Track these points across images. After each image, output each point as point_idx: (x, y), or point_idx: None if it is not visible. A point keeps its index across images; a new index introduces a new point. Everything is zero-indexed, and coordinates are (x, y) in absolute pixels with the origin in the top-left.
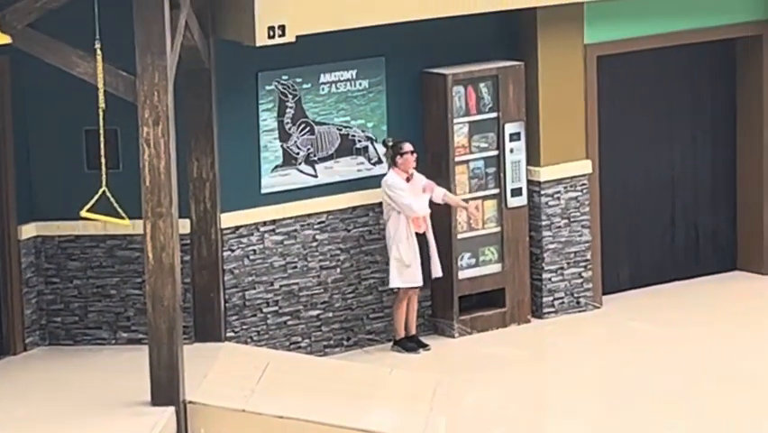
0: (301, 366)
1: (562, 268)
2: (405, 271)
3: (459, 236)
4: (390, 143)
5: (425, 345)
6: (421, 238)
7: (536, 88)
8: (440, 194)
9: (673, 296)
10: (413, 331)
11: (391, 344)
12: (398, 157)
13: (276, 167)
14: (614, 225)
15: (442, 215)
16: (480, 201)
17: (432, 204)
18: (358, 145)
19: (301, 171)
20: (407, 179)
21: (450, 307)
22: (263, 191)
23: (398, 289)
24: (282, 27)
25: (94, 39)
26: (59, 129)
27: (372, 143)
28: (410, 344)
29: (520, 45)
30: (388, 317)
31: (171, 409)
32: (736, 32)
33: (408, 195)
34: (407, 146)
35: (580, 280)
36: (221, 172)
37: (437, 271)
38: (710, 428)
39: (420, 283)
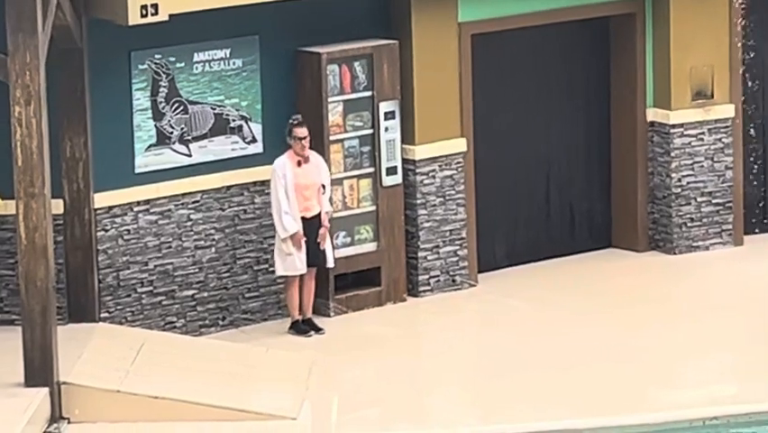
0: (176, 346)
1: (437, 246)
2: (286, 259)
3: (334, 215)
4: (291, 121)
5: (318, 329)
6: (315, 221)
7: (411, 67)
8: (325, 207)
9: (548, 274)
10: (308, 313)
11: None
12: (288, 138)
13: (149, 146)
14: (489, 203)
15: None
16: (356, 180)
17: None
18: (232, 124)
19: (175, 151)
20: (299, 163)
21: (325, 286)
22: (137, 171)
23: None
24: (155, 6)
25: None
26: None
27: (247, 122)
28: (304, 326)
29: (395, 23)
30: (264, 296)
31: (45, 390)
32: (610, 10)
33: (284, 199)
34: (297, 131)
35: (455, 259)
36: (94, 152)
37: (330, 262)
38: (586, 402)
39: (303, 271)
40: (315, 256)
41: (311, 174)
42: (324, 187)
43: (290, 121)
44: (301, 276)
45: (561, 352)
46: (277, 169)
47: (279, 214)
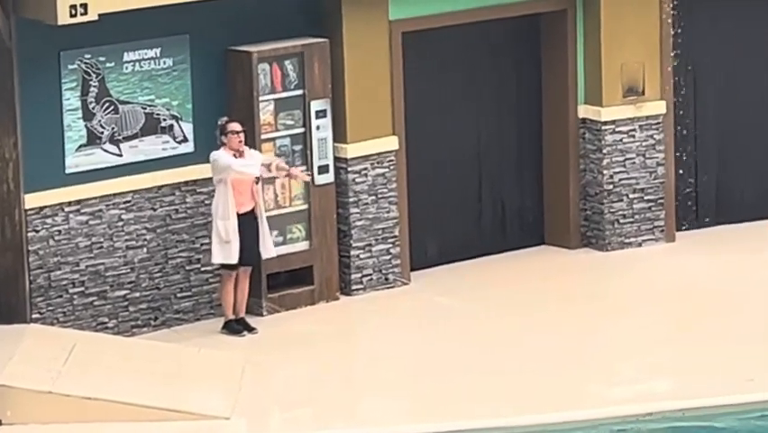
0: (108, 347)
1: (369, 245)
2: (224, 247)
3: (266, 214)
4: (220, 122)
5: (251, 329)
6: (249, 218)
7: (342, 65)
8: (274, 163)
9: (481, 271)
10: (241, 313)
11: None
12: (223, 136)
13: (80, 146)
14: (421, 201)
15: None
16: (287, 179)
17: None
18: (163, 124)
19: (106, 151)
20: (235, 157)
21: (258, 285)
22: (67, 171)
23: (223, 270)
24: (84, 5)
25: None
26: None
27: (178, 122)
28: (237, 326)
29: (325, 22)
30: (196, 295)
31: None
32: (541, 7)
33: (229, 157)
34: (232, 126)
35: (388, 257)
36: (24, 152)
37: (269, 251)
38: (521, 400)
39: (235, 261)
40: (249, 255)
41: (248, 163)
42: (257, 179)
43: (220, 122)
44: (236, 275)
45: (494, 350)
46: (221, 157)
47: (231, 167)
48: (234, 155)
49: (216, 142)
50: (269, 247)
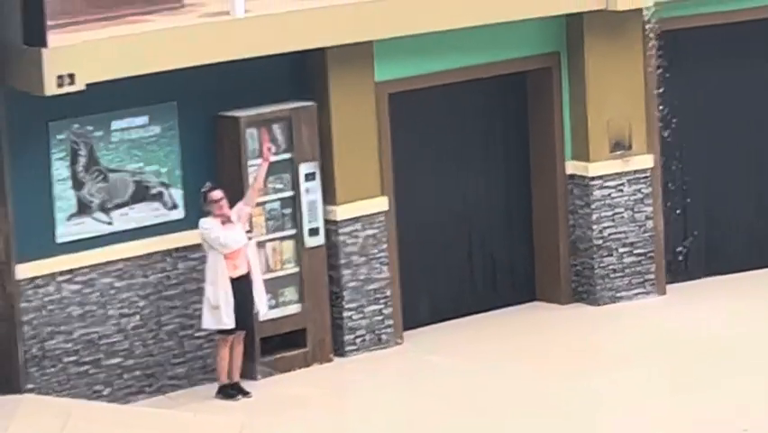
0: (104, 415)
1: (362, 306)
2: (214, 313)
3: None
4: (203, 190)
5: (246, 393)
6: (243, 282)
7: (329, 128)
8: (244, 209)
9: (473, 329)
10: (236, 378)
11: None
12: (205, 205)
13: (71, 216)
14: (412, 260)
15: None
16: (278, 242)
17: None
18: (153, 191)
19: (96, 219)
20: (223, 223)
21: (252, 348)
22: (58, 240)
23: (218, 335)
24: (71, 75)
25: None
26: None
27: (167, 189)
28: (232, 391)
29: (312, 85)
30: (191, 361)
31: None
32: (526, 65)
33: (219, 229)
34: (213, 195)
35: (380, 317)
36: (15, 223)
37: (263, 309)
38: None
39: (229, 326)
40: (244, 319)
41: (237, 234)
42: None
43: (202, 190)
44: (231, 340)
45: (487, 407)
46: (206, 224)
47: (219, 241)
48: (222, 221)
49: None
50: (261, 305)
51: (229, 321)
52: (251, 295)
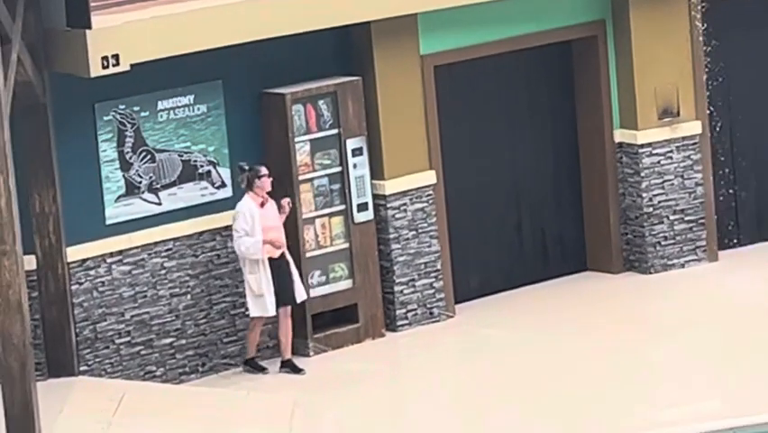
0: (157, 395)
1: (413, 280)
2: (258, 301)
3: (308, 255)
4: (246, 167)
5: (299, 370)
6: (282, 259)
7: (376, 102)
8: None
9: (524, 300)
10: (288, 354)
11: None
12: (257, 180)
13: (119, 197)
14: (462, 233)
15: (290, 235)
16: (327, 218)
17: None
18: (200, 170)
19: (145, 200)
20: (262, 204)
21: (303, 326)
22: (108, 222)
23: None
24: (116, 56)
25: None
26: None
27: (215, 167)
28: (258, 363)
29: (357, 60)
30: (242, 340)
31: None
32: (571, 33)
33: (247, 235)
34: (264, 169)
35: (431, 291)
36: (64, 206)
37: (301, 295)
38: (568, 427)
39: (272, 313)
40: (284, 295)
41: (273, 215)
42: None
43: (246, 168)
44: (276, 317)
45: (543, 378)
46: (243, 210)
47: (241, 243)
48: (262, 202)
49: (244, 187)
50: (300, 291)
51: (272, 308)
52: (290, 272)
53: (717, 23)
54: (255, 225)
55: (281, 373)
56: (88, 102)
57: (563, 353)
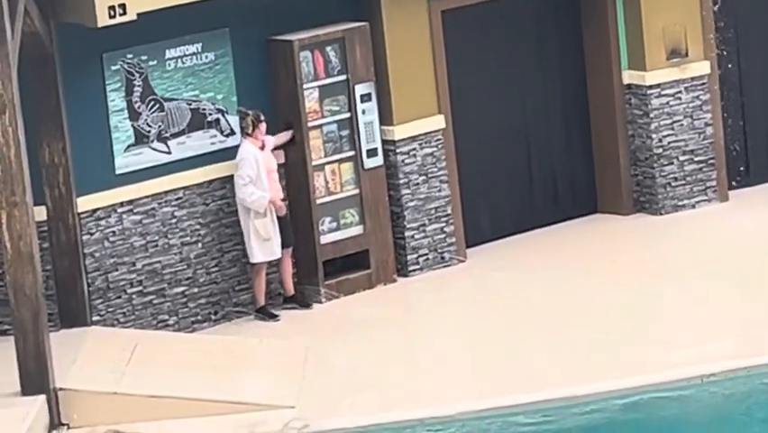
0: (170, 344)
1: (423, 225)
2: (265, 245)
3: (318, 201)
4: (248, 112)
5: (307, 305)
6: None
7: (383, 48)
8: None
9: (536, 243)
10: (291, 291)
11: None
12: (260, 124)
13: (128, 146)
14: (472, 177)
15: (300, 182)
16: (337, 165)
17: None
18: (209, 118)
19: (154, 149)
20: (261, 147)
21: (314, 272)
22: (117, 172)
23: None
24: (123, 6)
25: None
26: None
27: (223, 115)
28: (270, 311)
29: (364, 5)
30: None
31: (42, 397)
32: None
33: (252, 182)
34: (261, 115)
35: (442, 236)
36: (73, 156)
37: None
38: (581, 369)
39: (279, 255)
40: (286, 236)
41: (273, 157)
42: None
43: (245, 112)
44: (277, 260)
45: (554, 320)
46: (248, 156)
47: (248, 193)
48: (261, 146)
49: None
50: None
51: (279, 250)
52: (287, 214)
53: None
54: (260, 169)
55: (290, 312)
56: (96, 52)
57: (574, 295)
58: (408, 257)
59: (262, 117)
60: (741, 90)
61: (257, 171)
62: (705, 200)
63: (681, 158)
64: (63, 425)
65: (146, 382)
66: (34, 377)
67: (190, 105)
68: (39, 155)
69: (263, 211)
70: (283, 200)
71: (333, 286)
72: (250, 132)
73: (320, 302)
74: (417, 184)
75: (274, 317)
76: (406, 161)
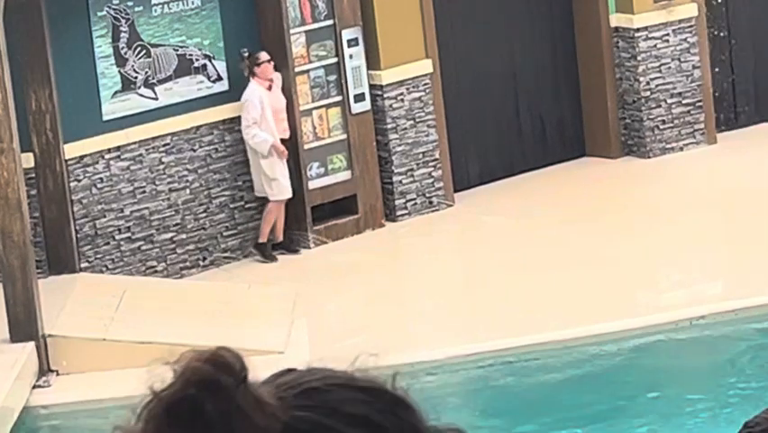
0: (158, 290)
1: (411, 169)
2: (273, 185)
3: (306, 147)
4: (246, 54)
5: (295, 250)
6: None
7: None
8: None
9: (524, 187)
10: (281, 237)
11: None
12: (256, 67)
13: (115, 93)
14: (460, 122)
15: (288, 127)
16: (324, 110)
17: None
18: (196, 64)
19: (141, 95)
20: (269, 88)
21: (303, 218)
22: (105, 118)
23: (273, 204)
24: None
25: None
26: None
27: (210, 61)
28: (271, 251)
29: None
30: (243, 233)
31: (31, 344)
32: None
33: (256, 124)
34: (264, 55)
35: (430, 180)
36: (60, 103)
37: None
38: (569, 312)
39: (290, 195)
40: (291, 179)
41: (281, 97)
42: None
43: (246, 54)
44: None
45: (542, 264)
46: (252, 98)
47: (250, 135)
48: (269, 86)
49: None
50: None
51: (290, 191)
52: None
53: None
54: (266, 110)
55: (279, 258)
56: None
57: (563, 239)
58: (396, 202)
59: (261, 60)
60: (729, 32)
61: (261, 113)
62: (693, 143)
63: (669, 101)
64: (52, 371)
65: (135, 329)
66: (23, 324)
67: (177, 50)
68: (25, 102)
69: (266, 153)
70: (287, 140)
71: (321, 231)
72: (246, 74)
73: (308, 247)
74: (405, 129)
75: (272, 258)
76: (394, 105)
